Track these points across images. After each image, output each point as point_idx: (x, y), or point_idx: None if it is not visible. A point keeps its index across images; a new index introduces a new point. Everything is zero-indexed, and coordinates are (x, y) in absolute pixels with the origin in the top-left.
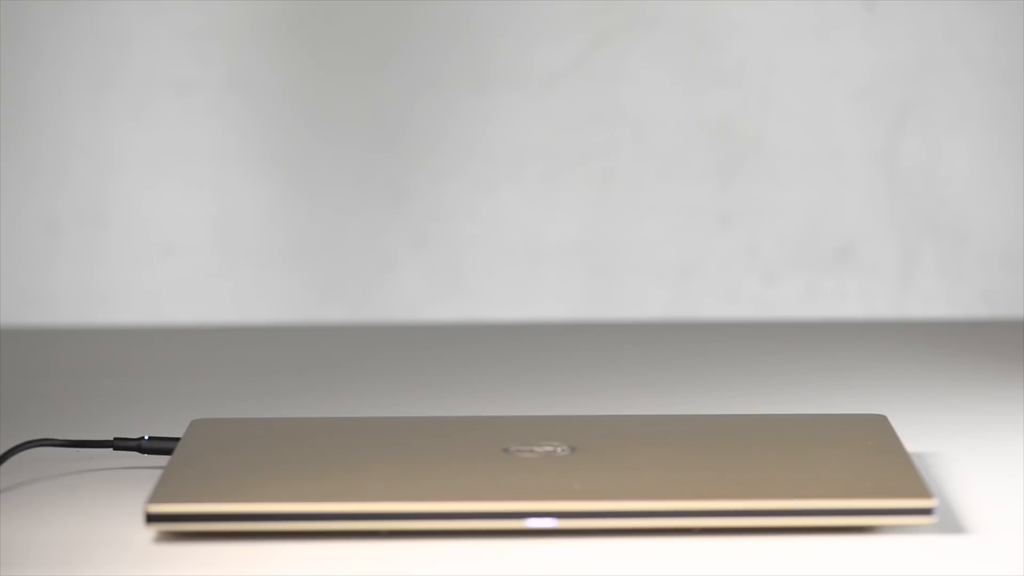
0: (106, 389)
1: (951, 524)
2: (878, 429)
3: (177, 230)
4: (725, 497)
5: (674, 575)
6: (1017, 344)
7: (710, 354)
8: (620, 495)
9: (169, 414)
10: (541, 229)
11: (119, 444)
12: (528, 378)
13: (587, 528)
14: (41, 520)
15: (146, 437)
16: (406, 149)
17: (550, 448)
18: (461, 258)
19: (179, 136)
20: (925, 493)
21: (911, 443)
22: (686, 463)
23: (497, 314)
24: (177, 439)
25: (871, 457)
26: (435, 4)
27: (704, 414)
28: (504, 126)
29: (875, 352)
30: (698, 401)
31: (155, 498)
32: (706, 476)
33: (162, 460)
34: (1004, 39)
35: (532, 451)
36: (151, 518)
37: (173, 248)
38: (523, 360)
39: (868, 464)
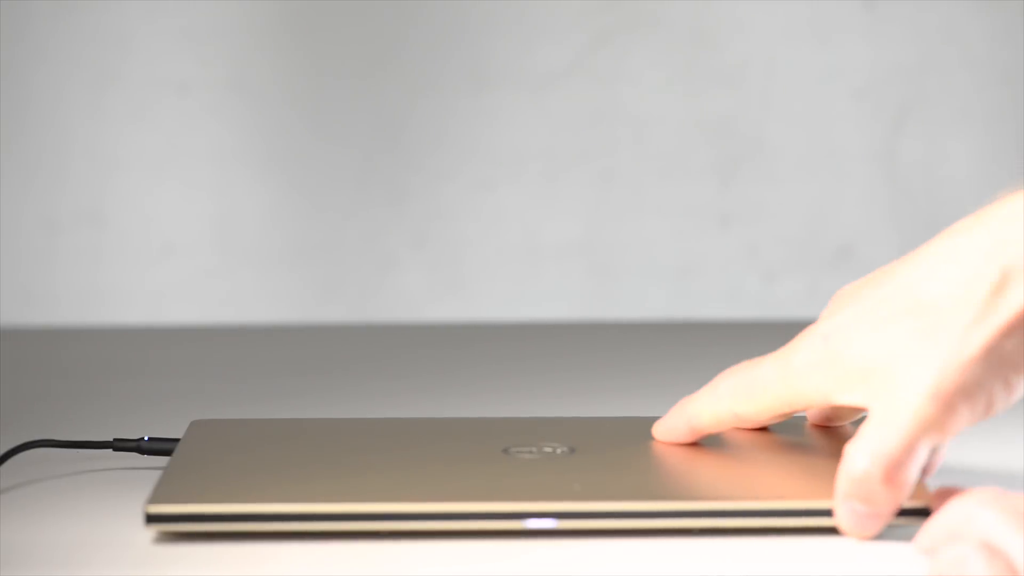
0: (106, 389)
1: None
2: None
3: (177, 230)
4: (725, 497)
5: (674, 575)
6: None
7: (710, 354)
8: (620, 495)
9: (169, 414)
10: (541, 229)
11: (119, 445)
12: (528, 378)
13: (587, 528)
14: (41, 521)
15: (146, 438)
16: (406, 149)
17: (550, 449)
18: (461, 258)
19: (179, 136)
20: (925, 493)
21: None
22: (686, 463)
23: (497, 314)
24: (177, 439)
25: None
26: (435, 4)
27: None
28: (504, 126)
29: None
30: None
31: (155, 499)
32: (706, 476)
33: (162, 461)
34: (1004, 39)
35: (532, 452)
36: (151, 519)
37: (173, 248)
38: (523, 360)
39: None
